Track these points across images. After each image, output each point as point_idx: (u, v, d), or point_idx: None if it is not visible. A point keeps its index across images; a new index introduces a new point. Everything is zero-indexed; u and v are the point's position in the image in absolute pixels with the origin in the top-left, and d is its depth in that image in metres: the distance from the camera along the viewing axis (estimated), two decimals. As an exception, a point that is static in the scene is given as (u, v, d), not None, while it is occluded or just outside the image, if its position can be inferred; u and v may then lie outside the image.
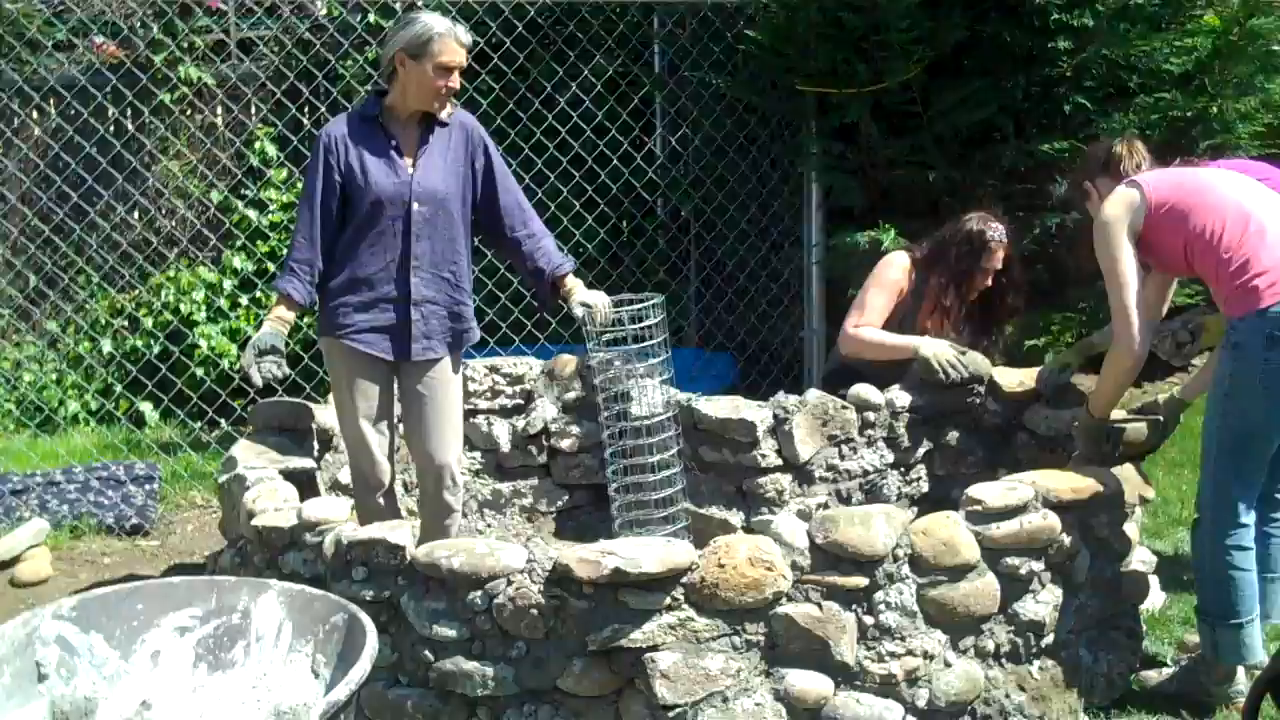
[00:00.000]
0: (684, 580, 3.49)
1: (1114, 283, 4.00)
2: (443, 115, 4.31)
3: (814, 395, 5.02)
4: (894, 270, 5.27)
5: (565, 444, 5.41)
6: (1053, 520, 3.78)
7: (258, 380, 4.17)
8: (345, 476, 4.72)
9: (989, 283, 5.23)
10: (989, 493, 3.76)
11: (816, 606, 3.56)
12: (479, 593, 3.54)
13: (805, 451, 4.95)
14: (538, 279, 4.54)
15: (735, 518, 5.01)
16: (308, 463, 4.47)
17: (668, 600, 3.48)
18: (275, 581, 3.04)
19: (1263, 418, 3.80)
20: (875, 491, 5.08)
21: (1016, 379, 5.06)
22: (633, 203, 7.07)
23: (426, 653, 3.60)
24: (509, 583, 3.53)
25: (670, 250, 7.36)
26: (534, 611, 3.50)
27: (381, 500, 4.42)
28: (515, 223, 4.47)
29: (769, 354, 7.21)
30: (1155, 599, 4.57)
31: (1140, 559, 4.30)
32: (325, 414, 4.82)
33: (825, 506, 5.01)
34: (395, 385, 4.42)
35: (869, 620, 3.61)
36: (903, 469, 5.15)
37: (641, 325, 4.63)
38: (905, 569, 3.64)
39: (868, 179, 6.66)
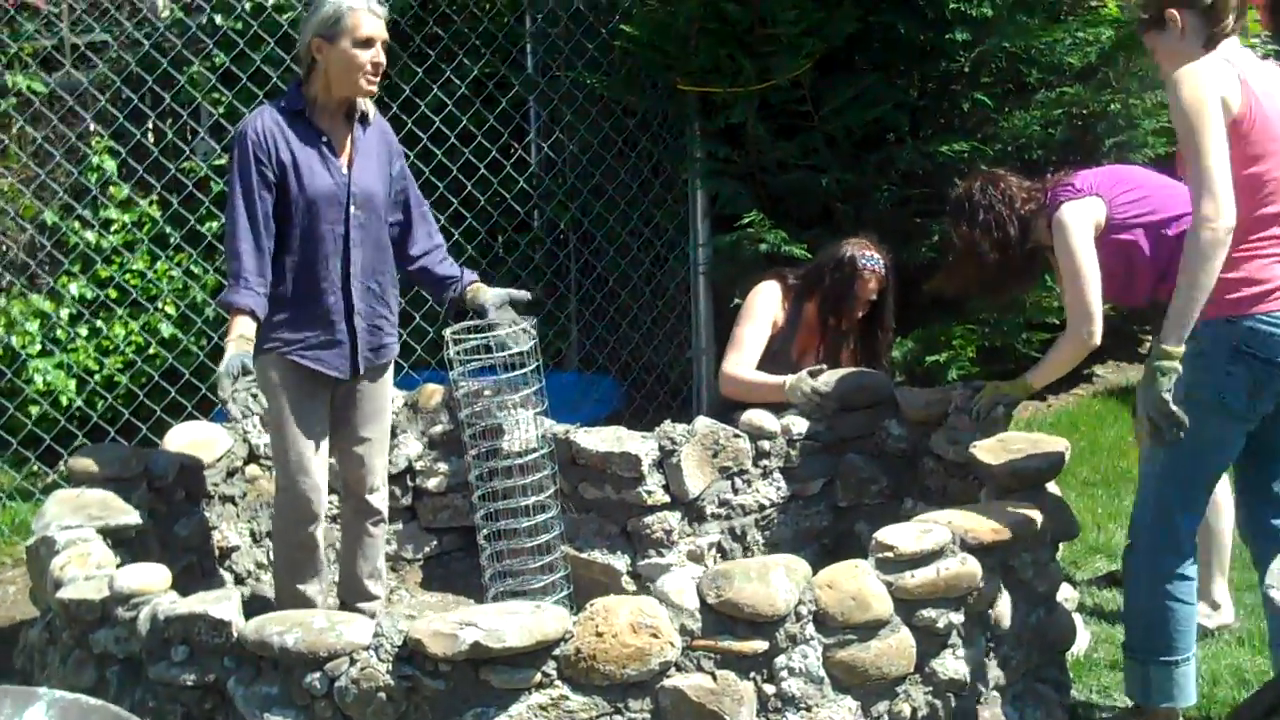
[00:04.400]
0: (556, 653, 3.01)
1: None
2: (366, 106, 4.05)
3: (703, 424, 4.57)
4: (765, 301, 5.00)
5: (432, 483, 4.96)
6: (972, 565, 3.35)
7: (236, 412, 3.67)
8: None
9: (862, 313, 4.96)
10: (901, 537, 3.32)
11: (710, 676, 3.09)
12: (318, 674, 3.04)
13: (695, 486, 4.50)
14: (444, 286, 4.31)
15: (620, 562, 4.56)
16: (134, 519, 3.90)
17: (537, 677, 3.00)
18: (45, 690, 2.50)
19: (1215, 436, 3.41)
20: (772, 527, 4.65)
21: (921, 401, 4.65)
22: (504, 215, 6.52)
23: (258, 746, 3.09)
24: (352, 662, 3.03)
25: (546, 266, 6.83)
26: (382, 695, 3.01)
27: (318, 534, 4.12)
28: (427, 231, 4.32)
29: (655, 376, 6.72)
30: (1080, 640, 4.17)
31: (1062, 596, 3.89)
32: (165, 460, 4.25)
33: (718, 546, 4.57)
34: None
35: (770, 689, 3.16)
36: (801, 501, 4.73)
37: (513, 352, 4.14)
38: (809, 628, 3.18)
39: (756, 184, 6.22)
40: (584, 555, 4.58)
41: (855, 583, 3.22)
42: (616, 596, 3.15)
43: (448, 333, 4.13)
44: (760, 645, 3.11)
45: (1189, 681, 3.53)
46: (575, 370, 6.98)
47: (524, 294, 4.33)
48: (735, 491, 4.61)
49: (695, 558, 4.55)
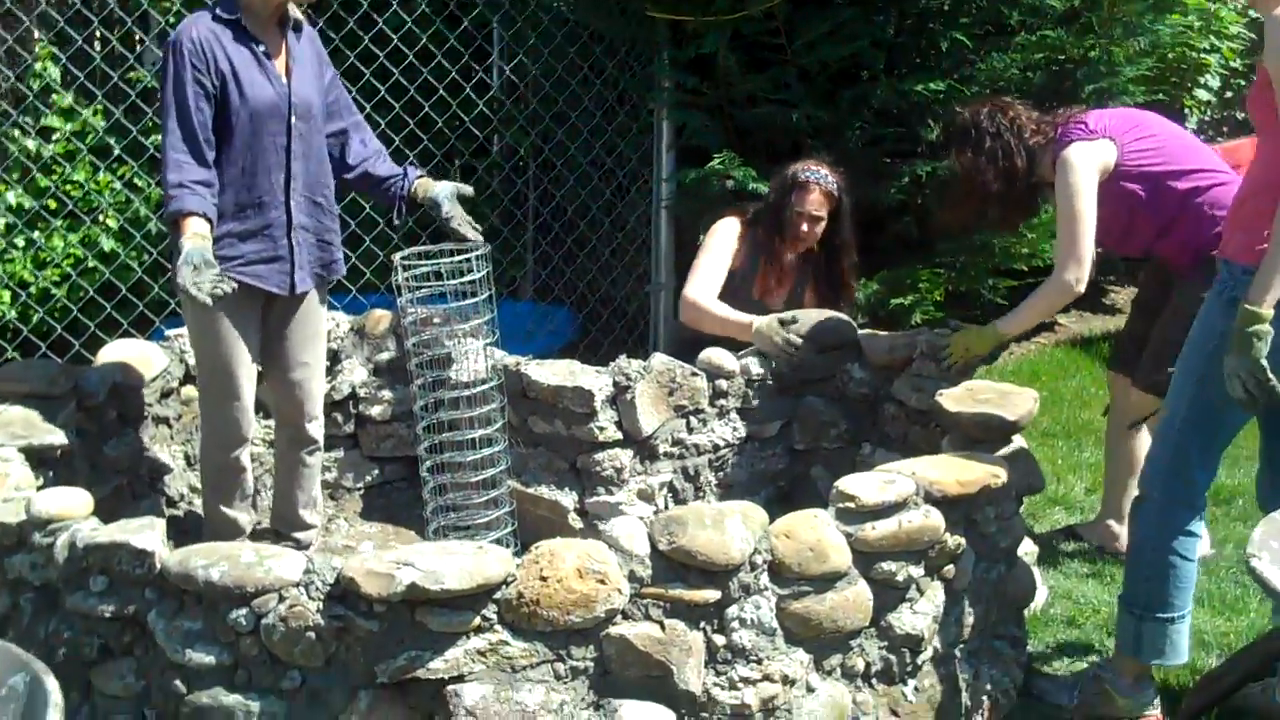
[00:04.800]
0: (497, 596, 2.86)
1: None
2: (296, 13, 3.88)
3: (660, 360, 4.41)
4: (725, 235, 4.86)
5: (375, 411, 4.77)
6: (935, 519, 3.21)
7: (205, 298, 3.44)
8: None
9: (814, 238, 4.81)
10: (863, 487, 3.17)
11: (658, 626, 2.95)
12: (244, 610, 2.89)
13: (649, 424, 4.34)
14: (389, 185, 4.13)
15: (567, 498, 4.42)
16: (58, 438, 3.71)
17: (476, 621, 2.84)
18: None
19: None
20: (727, 468, 4.51)
21: (885, 346, 4.51)
22: (462, 139, 6.28)
23: (178, 683, 2.94)
24: (281, 599, 2.88)
25: (504, 193, 6.61)
26: (311, 634, 2.85)
27: (245, 458, 4.01)
28: (362, 139, 4.14)
29: (611, 310, 6.52)
30: (1037, 595, 4.06)
31: (1022, 551, 3.77)
32: (96, 378, 4.05)
33: (670, 486, 4.43)
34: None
35: (720, 640, 3.01)
36: (757, 443, 4.60)
37: (465, 280, 3.96)
38: (764, 579, 3.04)
39: (725, 117, 6.02)
40: (531, 490, 4.43)
41: (814, 533, 3.07)
42: (563, 539, 3.00)
43: (397, 258, 3.95)
44: (712, 595, 2.97)
45: (1182, 640, 3.42)
46: (530, 300, 6.79)
47: (469, 188, 4.19)
48: (690, 431, 4.46)
49: (646, 497, 4.42)
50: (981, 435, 3.66)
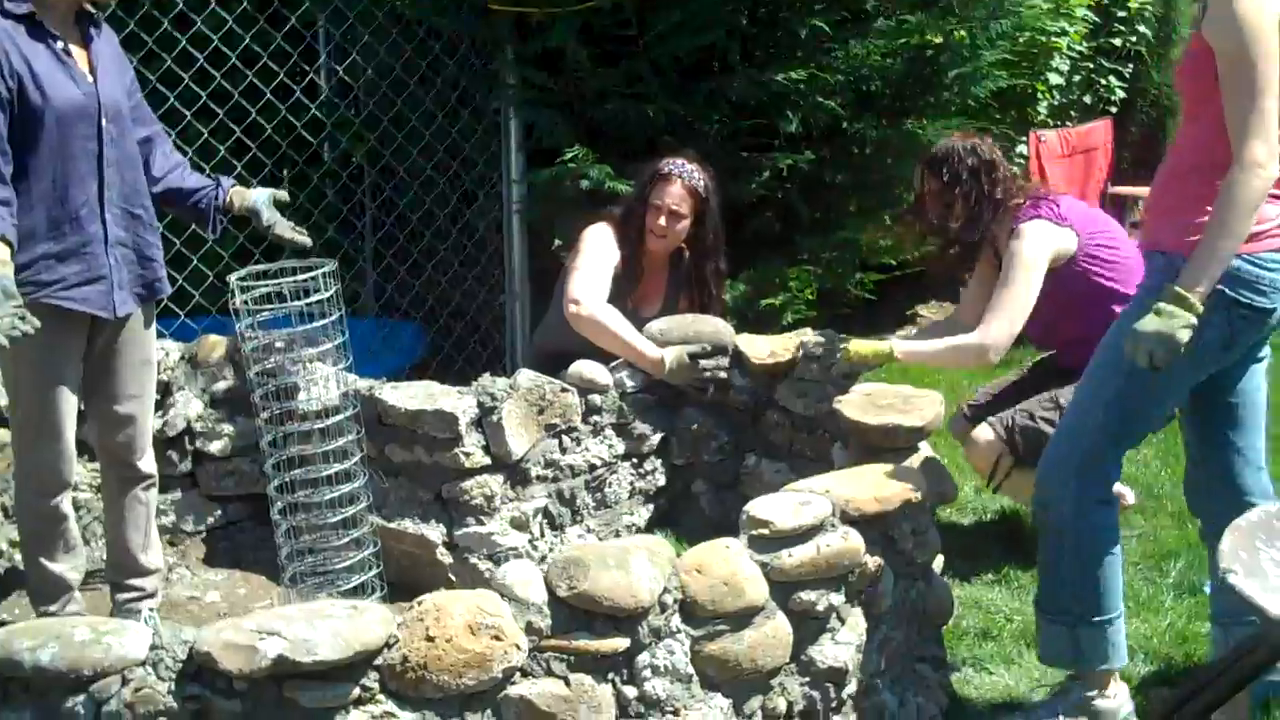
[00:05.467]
0: (378, 662, 2.49)
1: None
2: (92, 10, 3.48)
3: (526, 377, 4.08)
4: (600, 238, 4.49)
5: (214, 447, 4.35)
6: (854, 540, 2.94)
7: (2, 339, 2.98)
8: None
9: (677, 237, 4.52)
10: (776, 511, 2.88)
11: (562, 682, 2.62)
12: (81, 698, 2.48)
13: (519, 446, 4.01)
14: (200, 197, 3.74)
15: (434, 531, 4.05)
16: None
17: (356, 693, 2.48)
18: None
19: (1175, 380, 3.03)
20: (604, 488, 4.21)
21: (766, 350, 4.27)
22: (293, 147, 5.83)
23: (7, 786, 2.50)
24: (125, 681, 2.47)
25: (341, 203, 6.18)
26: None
27: (66, 505, 3.59)
28: (164, 150, 3.76)
29: (464, 323, 6.13)
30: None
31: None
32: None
33: (544, 512, 4.10)
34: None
35: (631, 692, 2.70)
36: (635, 460, 4.32)
37: (311, 300, 3.57)
38: (676, 620, 2.74)
39: (576, 115, 5.68)
40: (394, 525, 4.06)
41: (726, 565, 2.77)
42: (450, 592, 2.64)
43: (233, 279, 3.55)
44: (621, 643, 2.65)
45: (1122, 640, 3.22)
46: (373, 316, 6.37)
47: (284, 193, 3.83)
48: (563, 451, 4.16)
49: (519, 525, 4.08)
50: (887, 444, 3.40)
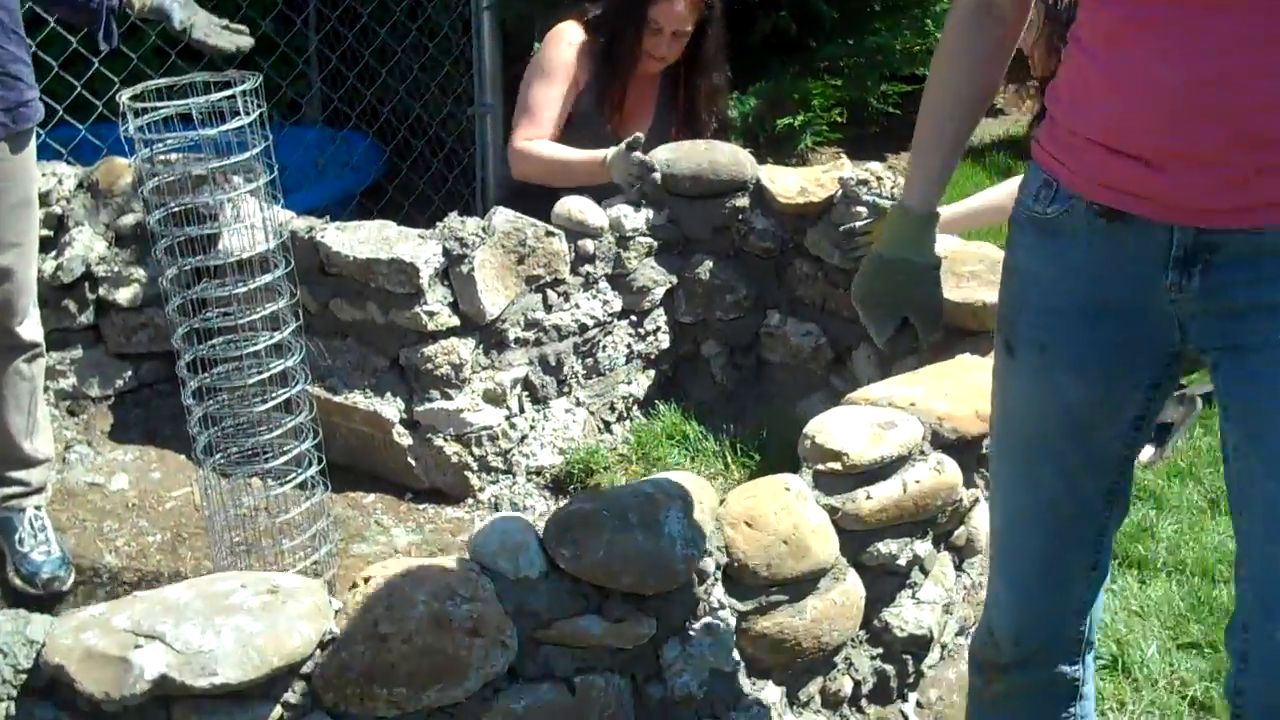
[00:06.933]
0: (308, 670, 1.75)
1: None
2: None
3: (504, 218, 3.31)
4: (561, 49, 3.82)
5: (122, 295, 3.59)
6: (950, 473, 2.21)
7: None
8: None
9: (677, 54, 3.84)
10: (851, 437, 2.14)
11: (564, 686, 1.89)
12: None
13: (494, 303, 3.27)
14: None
15: (390, 407, 3.32)
16: None
17: (277, 713, 1.74)
18: None
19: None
20: (596, 353, 3.46)
21: (795, 185, 3.52)
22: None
23: None
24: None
25: (278, -3, 5.22)
26: (1, 747, 1.72)
27: None
28: None
29: (426, 140, 5.24)
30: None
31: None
32: None
33: (524, 383, 3.37)
34: None
35: (656, 693, 1.98)
36: (634, 317, 3.59)
37: (230, 128, 2.71)
38: (718, 593, 2.01)
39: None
40: (340, 399, 3.32)
41: (787, 516, 2.03)
42: (407, 564, 1.89)
43: (124, 99, 2.68)
44: (644, 629, 1.91)
45: None
46: (320, 126, 5.50)
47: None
48: (548, 308, 3.42)
49: (494, 399, 3.35)
50: (974, 325, 2.65)
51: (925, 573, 2.25)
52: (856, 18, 5.06)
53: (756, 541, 2.00)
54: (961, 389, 2.29)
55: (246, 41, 3.08)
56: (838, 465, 2.09)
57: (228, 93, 2.65)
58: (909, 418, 2.19)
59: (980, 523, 2.34)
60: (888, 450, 2.11)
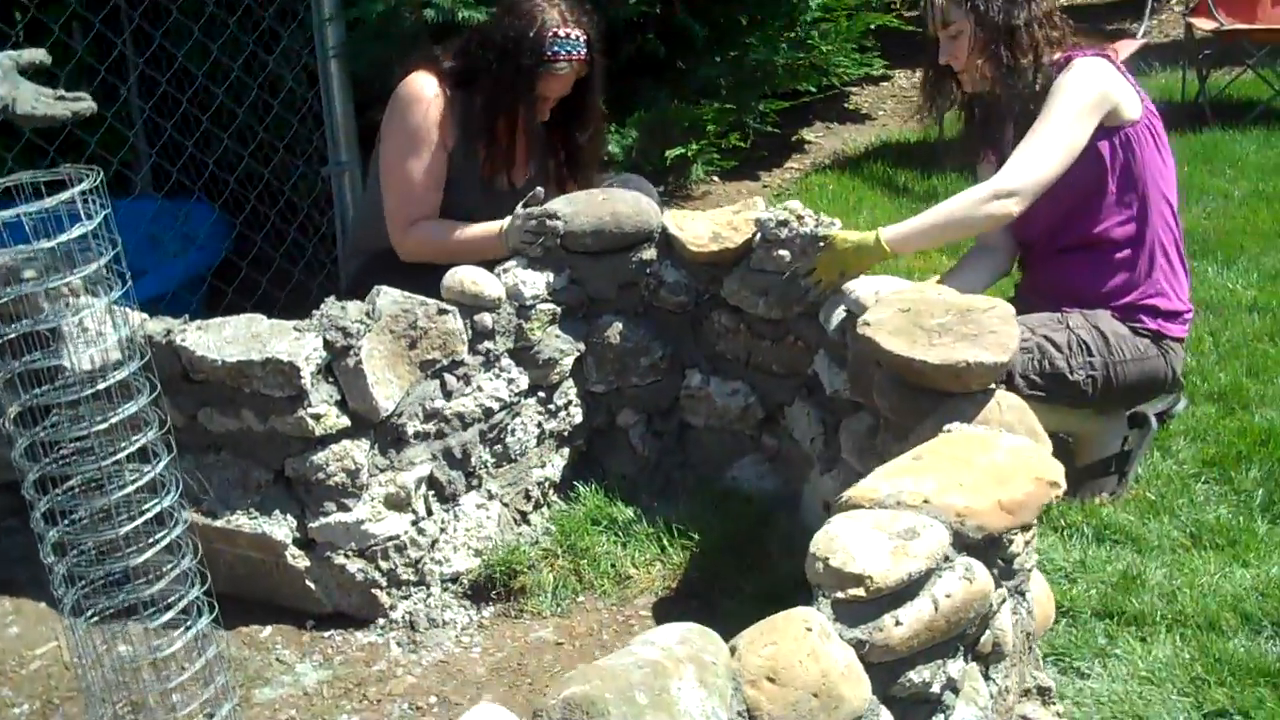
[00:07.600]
0: None
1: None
2: None
3: (390, 300, 2.96)
4: (424, 112, 3.50)
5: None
6: (981, 580, 1.88)
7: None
8: None
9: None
10: (870, 554, 1.79)
11: None
12: None
13: (387, 398, 2.91)
14: None
15: (280, 527, 2.91)
16: None
17: None
18: None
19: None
20: (505, 438, 3.12)
21: (706, 231, 3.24)
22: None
23: None
24: None
25: (97, 59, 4.68)
26: None
27: None
28: None
29: (278, 208, 4.76)
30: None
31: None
32: None
33: (429, 481, 3.02)
34: None
35: None
36: (542, 393, 3.25)
37: (73, 235, 2.26)
38: (738, 768, 1.65)
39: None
40: (220, 524, 2.90)
41: (814, 663, 1.68)
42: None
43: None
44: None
45: None
46: (151, 195, 4.99)
47: (40, 52, 2.79)
48: (448, 395, 3.06)
49: (397, 504, 3.00)
50: (956, 387, 2.33)
51: (956, 692, 1.93)
52: (727, 33, 4.77)
53: (783, 699, 1.64)
54: (976, 476, 1.97)
55: (86, 106, 2.69)
56: (861, 592, 1.75)
57: (64, 195, 2.22)
58: (929, 521, 1.85)
59: (1005, 624, 2.02)
60: (914, 566, 1.77)
